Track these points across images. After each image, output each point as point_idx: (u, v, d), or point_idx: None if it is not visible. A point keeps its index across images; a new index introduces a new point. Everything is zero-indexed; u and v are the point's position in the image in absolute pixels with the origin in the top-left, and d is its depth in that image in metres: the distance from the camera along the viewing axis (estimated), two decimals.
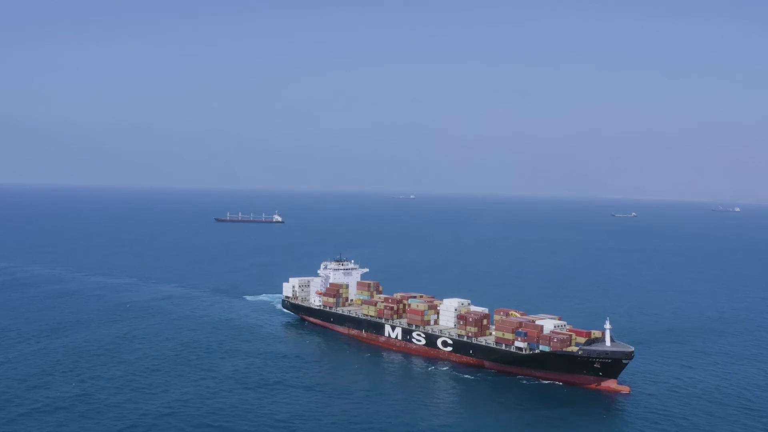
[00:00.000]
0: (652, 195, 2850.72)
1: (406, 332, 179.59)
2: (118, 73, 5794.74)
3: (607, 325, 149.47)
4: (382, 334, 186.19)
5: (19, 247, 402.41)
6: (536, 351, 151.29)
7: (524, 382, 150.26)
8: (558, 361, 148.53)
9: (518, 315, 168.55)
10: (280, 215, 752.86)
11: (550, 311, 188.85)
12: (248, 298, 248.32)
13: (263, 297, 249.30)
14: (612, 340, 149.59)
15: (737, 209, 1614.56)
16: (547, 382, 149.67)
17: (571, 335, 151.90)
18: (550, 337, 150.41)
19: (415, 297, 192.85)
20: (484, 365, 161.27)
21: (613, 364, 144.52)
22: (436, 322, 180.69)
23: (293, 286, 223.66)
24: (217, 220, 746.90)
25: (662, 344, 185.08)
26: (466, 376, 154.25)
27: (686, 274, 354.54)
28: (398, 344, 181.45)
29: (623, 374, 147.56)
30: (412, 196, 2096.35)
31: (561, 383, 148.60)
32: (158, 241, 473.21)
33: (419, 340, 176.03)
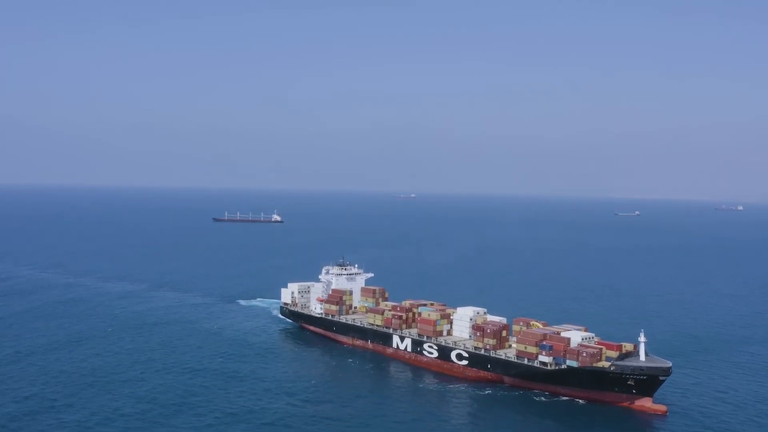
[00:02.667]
0: (654, 194, 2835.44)
1: (417, 344, 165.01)
2: (119, 73, 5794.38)
3: (642, 338, 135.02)
4: (390, 345, 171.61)
5: (17, 248, 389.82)
6: (563, 366, 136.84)
7: (543, 399, 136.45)
8: (587, 378, 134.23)
9: (540, 326, 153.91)
10: (279, 215, 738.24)
11: (571, 319, 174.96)
12: (244, 303, 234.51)
13: (261, 303, 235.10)
14: (646, 354, 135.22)
15: (740, 208, 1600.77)
16: (567, 398, 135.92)
17: (601, 349, 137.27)
18: (578, 351, 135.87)
19: (425, 305, 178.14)
20: (503, 381, 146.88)
21: (649, 381, 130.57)
22: (449, 333, 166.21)
23: (292, 292, 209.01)
24: (215, 219, 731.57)
25: (691, 354, 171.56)
26: (484, 392, 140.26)
27: (699, 275, 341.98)
28: (408, 356, 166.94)
29: (657, 391, 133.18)
30: (412, 196, 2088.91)
31: (583, 401, 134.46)
32: (155, 243, 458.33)
33: (431, 353, 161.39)
